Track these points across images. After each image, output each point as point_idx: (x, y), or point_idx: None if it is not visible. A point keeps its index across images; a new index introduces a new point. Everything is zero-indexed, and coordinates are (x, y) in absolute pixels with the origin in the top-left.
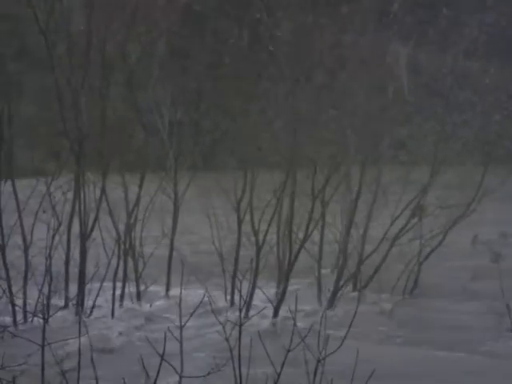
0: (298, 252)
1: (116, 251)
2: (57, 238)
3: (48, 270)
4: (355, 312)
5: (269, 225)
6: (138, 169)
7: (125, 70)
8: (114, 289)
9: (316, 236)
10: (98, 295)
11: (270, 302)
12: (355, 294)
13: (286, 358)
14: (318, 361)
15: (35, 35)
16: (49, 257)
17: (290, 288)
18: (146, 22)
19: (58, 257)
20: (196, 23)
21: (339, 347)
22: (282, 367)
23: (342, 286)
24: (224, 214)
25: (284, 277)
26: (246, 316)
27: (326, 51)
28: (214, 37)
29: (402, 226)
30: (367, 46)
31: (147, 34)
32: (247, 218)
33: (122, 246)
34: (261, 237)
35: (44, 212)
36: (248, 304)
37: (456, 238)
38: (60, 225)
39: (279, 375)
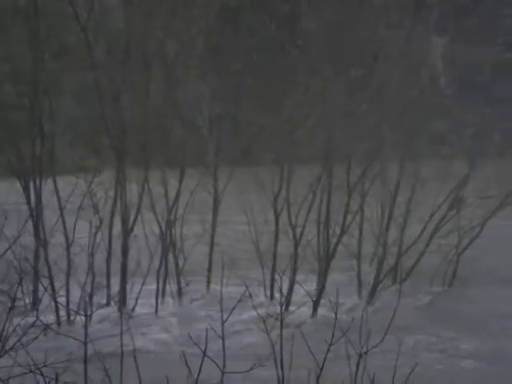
0: (336, 246)
1: (157, 247)
2: (98, 235)
3: (90, 267)
4: (396, 305)
5: (305, 219)
6: (178, 164)
7: (164, 66)
8: (158, 286)
9: (355, 230)
10: (140, 292)
11: (310, 296)
12: (395, 286)
13: (327, 353)
14: (360, 355)
15: (76, 33)
16: (91, 254)
17: (330, 282)
18: (183, 19)
19: (100, 254)
20: (231, 19)
21: (381, 341)
22: (324, 361)
23: (382, 280)
24: (262, 209)
25: (323, 271)
26: (286, 310)
27: (362, 45)
28: (250, 32)
29: (440, 218)
30: (404, 38)
31: (185, 31)
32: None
33: (163, 243)
34: (298, 231)
35: (83, 209)
36: (288, 299)
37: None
38: (101, 222)
39: (321, 369)
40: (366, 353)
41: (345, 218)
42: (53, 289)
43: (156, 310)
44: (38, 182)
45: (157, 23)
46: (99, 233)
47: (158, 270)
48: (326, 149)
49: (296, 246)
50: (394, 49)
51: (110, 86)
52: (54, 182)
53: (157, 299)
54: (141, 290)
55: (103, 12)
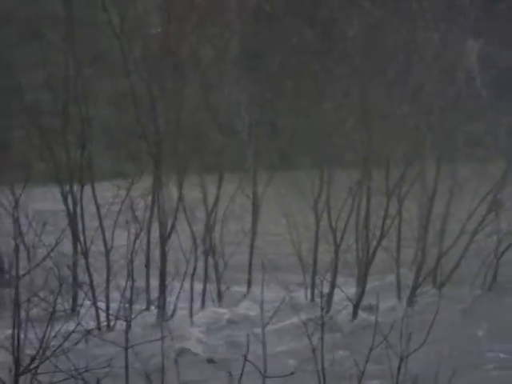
0: (375, 250)
1: (196, 252)
2: (138, 241)
3: (130, 273)
4: (437, 309)
5: (346, 223)
6: (217, 169)
7: (200, 71)
8: (192, 290)
9: (394, 233)
10: (178, 297)
11: (350, 300)
12: (434, 290)
13: (368, 356)
14: (401, 359)
15: (110, 39)
16: (130, 261)
17: (369, 285)
18: (218, 23)
19: (139, 260)
20: (267, 23)
21: (422, 345)
22: (365, 365)
23: (421, 283)
24: (302, 213)
25: (362, 275)
26: (327, 314)
27: (398, 48)
28: (285, 36)
29: (479, 221)
30: (439, 41)
31: (220, 35)
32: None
33: (203, 247)
34: (339, 235)
35: (127, 222)
36: (328, 302)
37: None
38: (141, 230)
39: (363, 373)
40: (407, 356)
41: (384, 221)
42: (93, 295)
43: (195, 314)
44: (76, 189)
45: (191, 28)
46: (138, 239)
47: (192, 275)
48: (364, 152)
49: (336, 249)
50: (430, 51)
51: (146, 91)
52: (93, 188)
53: (191, 303)
54: (178, 295)
55: (137, 17)
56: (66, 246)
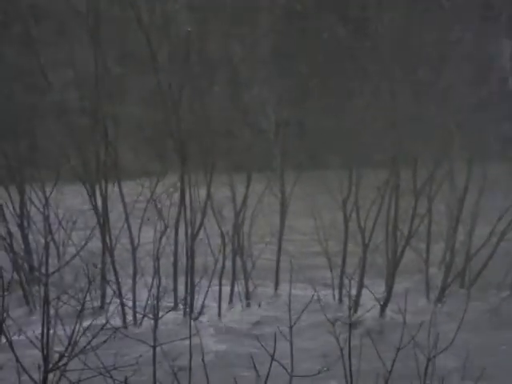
0: (403, 249)
1: (224, 251)
2: (164, 239)
3: (156, 271)
4: (465, 309)
5: (374, 223)
6: (244, 169)
7: (229, 70)
8: (221, 288)
9: (423, 233)
10: (206, 296)
11: (377, 300)
12: (463, 290)
13: (396, 356)
14: (429, 359)
15: (139, 37)
16: (157, 258)
17: (398, 285)
18: (248, 22)
19: (166, 258)
20: (297, 22)
21: (449, 345)
22: (392, 365)
23: (450, 283)
24: (330, 212)
25: (391, 274)
26: (355, 314)
27: (431, 47)
28: (316, 35)
29: (509, 222)
30: (472, 40)
31: (250, 34)
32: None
33: (231, 246)
34: (367, 235)
35: (148, 219)
36: (356, 302)
37: None
38: (166, 227)
39: (390, 373)
40: (434, 357)
41: (412, 221)
42: (120, 293)
43: (223, 313)
44: (103, 187)
45: (221, 26)
46: (164, 237)
47: (221, 274)
48: (393, 152)
49: (365, 249)
50: (463, 50)
51: (174, 89)
52: (119, 186)
53: (219, 302)
54: (206, 293)
55: (166, 16)
56: (95, 243)
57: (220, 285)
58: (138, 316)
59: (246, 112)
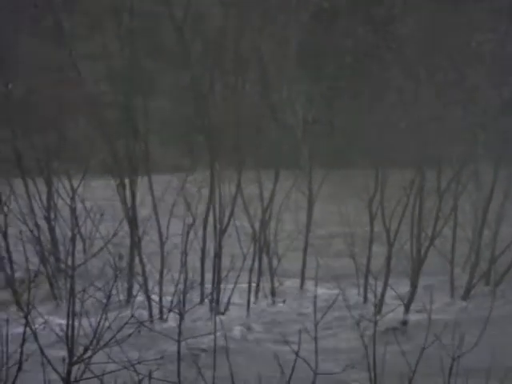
0: (427, 249)
1: (251, 247)
2: (192, 234)
3: (183, 265)
4: (490, 310)
5: (399, 223)
6: (272, 165)
7: (259, 67)
8: (250, 285)
9: (448, 234)
10: (233, 291)
11: (401, 299)
12: (488, 289)
13: (420, 356)
14: (453, 359)
15: (171, 32)
16: (184, 252)
17: (423, 285)
18: (279, 21)
19: (194, 252)
20: (326, 22)
21: (474, 345)
22: (416, 364)
23: (475, 284)
24: (356, 211)
25: (415, 274)
26: (379, 313)
27: (456, 48)
28: (344, 34)
29: None
30: (497, 41)
31: (280, 33)
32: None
33: (257, 242)
34: (392, 235)
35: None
36: (380, 301)
37: None
38: (194, 221)
39: (414, 372)
40: (459, 356)
41: (436, 221)
42: (146, 286)
43: (249, 309)
44: (132, 180)
45: (252, 24)
46: (192, 231)
47: (250, 270)
48: (418, 152)
49: (390, 249)
50: (488, 51)
51: (205, 85)
52: (149, 180)
53: (249, 298)
54: (234, 288)
55: (199, 12)
56: (123, 236)
57: (249, 282)
58: (164, 310)
59: (274, 109)
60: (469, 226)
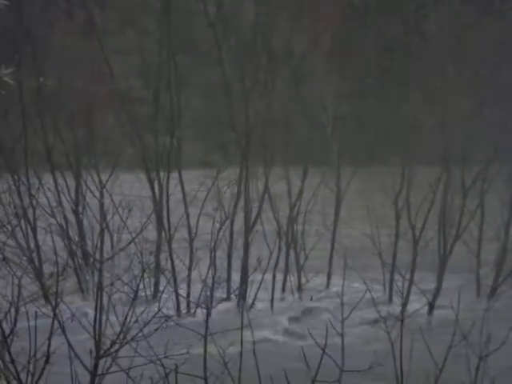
0: (452, 247)
1: (278, 244)
2: (221, 231)
3: (212, 262)
4: None
5: (425, 220)
6: (301, 162)
7: (290, 64)
8: (274, 281)
9: (476, 232)
10: (259, 287)
11: (426, 297)
12: None
13: (447, 355)
14: (480, 358)
15: (204, 28)
16: (213, 249)
17: (450, 283)
18: (310, 18)
19: (222, 249)
20: (358, 19)
21: (502, 344)
22: (443, 363)
23: (502, 282)
24: (383, 208)
25: (440, 271)
26: (404, 310)
27: (486, 46)
28: (375, 32)
29: None
30: None
31: (312, 29)
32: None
33: (284, 239)
34: (418, 232)
35: (215, 210)
36: (406, 298)
37: None
38: (226, 218)
39: (441, 371)
40: (486, 356)
41: (461, 217)
42: (174, 282)
43: (275, 305)
44: (163, 176)
45: (285, 21)
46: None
47: (275, 267)
48: (445, 150)
49: (415, 246)
50: None
51: (238, 81)
52: (180, 175)
53: (272, 294)
54: (260, 284)
55: (232, 8)
56: (151, 231)
57: (274, 277)
58: (192, 306)
59: (305, 106)
60: (497, 224)
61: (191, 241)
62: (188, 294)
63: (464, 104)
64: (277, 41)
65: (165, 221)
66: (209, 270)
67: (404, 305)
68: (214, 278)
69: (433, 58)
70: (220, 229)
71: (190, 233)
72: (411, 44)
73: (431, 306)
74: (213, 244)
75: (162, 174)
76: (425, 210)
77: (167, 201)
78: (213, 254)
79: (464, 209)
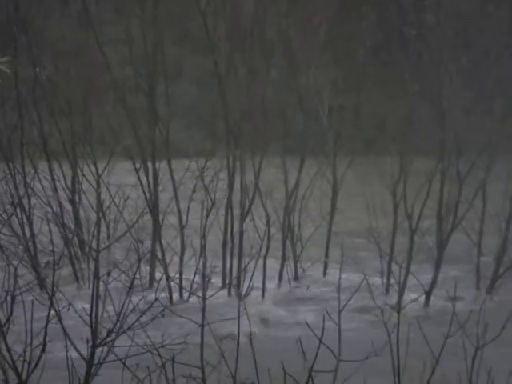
0: (448, 237)
1: (269, 233)
2: (212, 218)
3: (203, 249)
4: None
5: (421, 210)
6: (298, 152)
7: (286, 53)
8: (265, 269)
9: (476, 223)
10: (252, 276)
11: (423, 287)
12: None
13: (444, 345)
14: (477, 348)
15: (195, 17)
16: (203, 237)
17: (449, 274)
18: (307, 7)
19: (214, 236)
20: (354, 9)
21: (498, 335)
22: (439, 353)
23: (502, 274)
24: (380, 198)
25: (437, 262)
26: (401, 300)
27: (488, 38)
28: (372, 21)
29: None
30: None
31: (309, 19)
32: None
33: (281, 229)
34: (414, 222)
35: (194, 192)
36: (402, 289)
37: None
38: (213, 205)
39: (437, 361)
40: (483, 346)
41: (456, 208)
42: (166, 270)
43: (271, 294)
44: (154, 165)
45: (280, 9)
46: (213, 216)
47: (265, 255)
48: (441, 140)
49: (412, 236)
50: None
51: (229, 70)
52: (169, 164)
53: (263, 284)
54: (252, 274)
55: None
56: (147, 221)
57: (264, 266)
58: (185, 294)
59: (300, 96)
60: (498, 215)
61: (182, 229)
62: (180, 283)
63: (462, 96)
64: (272, 28)
65: (157, 210)
66: (200, 258)
67: (401, 295)
68: (205, 266)
69: (433, 48)
70: (208, 214)
71: (180, 221)
72: (410, 34)
73: (427, 297)
74: (202, 231)
75: (153, 163)
76: (422, 200)
77: (155, 189)
78: (203, 242)
79: (460, 198)
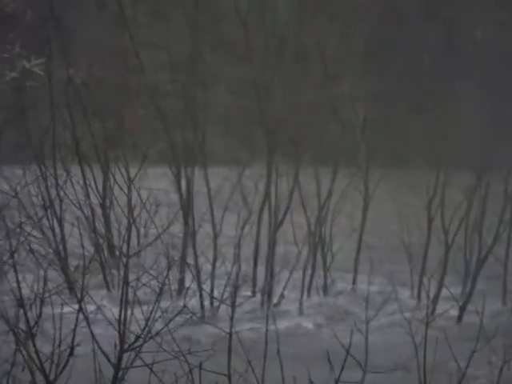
0: (486, 256)
1: (308, 243)
2: (247, 228)
3: (237, 258)
4: None
5: (459, 225)
6: (331, 162)
7: (322, 62)
8: (304, 280)
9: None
10: (285, 287)
11: (456, 301)
12: None
13: (470, 359)
14: (504, 362)
15: (234, 24)
16: (238, 246)
17: (476, 288)
18: (344, 17)
19: (247, 246)
20: (394, 19)
21: None
22: (466, 367)
23: None
24: (413, 212)
25: (471, 278)
26: (432, 314)
27: None
28: (413, 33)
29: None
30: None
31: (346, 29)
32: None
33: (312, 239)
34: (450, 237)
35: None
36: (434, 303)
37: None
38: (250, 215)
39: (463, 375)
40: (510, 360)
41: (499, 226)
42: (198, 278)
43: (301, 305)
44: (189, 171)
45: (317, 19)
46: (247, 225)
47: (304, 266)
48: (482, 154)
49: (447, 250)
50: None
51: (267, 79)
52: (205, 172)
53: (302, 294)
54: (287, 283)
55: (263, 4)
56: (178, 227)
57: (303, 276)
58: (216, 302)
59: (335, 106)
60: None
61: (215, 237)
62: (212, 291)
63: (503, 108)
64: (309, 38)
65: (190, 217)
66: (233, 266)
67: (431, 308)
68: (238, 275)
69: (471, 60)
70: (245, 224)
71: (214, 229)
72: (449, 46)
73: (461, 311)
74: (237, 241)
75: (188, 170)
76: (459, 216)
77: (190, 196)
78: (237, 251)
79: (502, 217)
